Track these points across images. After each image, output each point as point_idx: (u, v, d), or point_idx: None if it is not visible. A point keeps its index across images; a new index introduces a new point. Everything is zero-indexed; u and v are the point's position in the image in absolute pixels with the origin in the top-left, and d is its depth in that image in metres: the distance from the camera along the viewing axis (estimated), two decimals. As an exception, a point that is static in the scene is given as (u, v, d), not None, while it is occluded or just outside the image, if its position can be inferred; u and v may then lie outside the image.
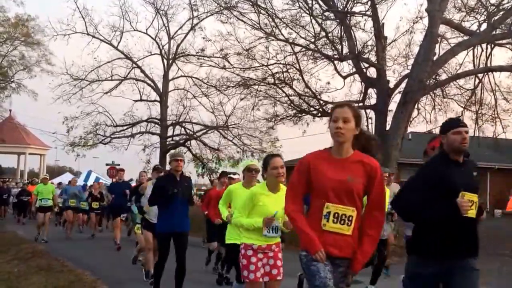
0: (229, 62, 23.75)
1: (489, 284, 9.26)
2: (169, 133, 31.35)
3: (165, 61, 31.29)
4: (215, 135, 30.05)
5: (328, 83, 21.67)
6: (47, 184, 17.77)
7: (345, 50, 19.92)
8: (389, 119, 18.78)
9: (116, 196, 15.28)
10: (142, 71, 30.82)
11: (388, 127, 18.52)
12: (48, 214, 17.47)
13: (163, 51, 31.24)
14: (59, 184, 26.58)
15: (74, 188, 19.83)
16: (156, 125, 31.12)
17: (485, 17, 19.38)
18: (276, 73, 21.69)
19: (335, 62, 20.61)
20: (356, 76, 20.56)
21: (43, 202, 17.06)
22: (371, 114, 20.10)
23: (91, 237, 18.64)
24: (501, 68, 19.54)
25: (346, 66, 21.10)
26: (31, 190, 24.34)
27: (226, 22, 21.81)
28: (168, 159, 10.78)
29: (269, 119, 23.43)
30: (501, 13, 18.96)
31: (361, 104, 20.55)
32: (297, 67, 21.04)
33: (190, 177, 9.74)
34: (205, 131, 30.20)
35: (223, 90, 25.26)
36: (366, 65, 19.89)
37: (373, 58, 19.68)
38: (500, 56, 37.84)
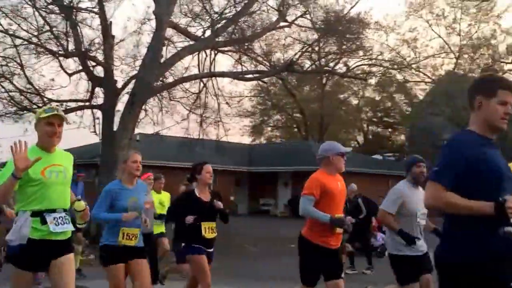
0: None
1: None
2: None
3: None
4: None
5: (53, 79, 20.43)
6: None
7: (71, 46, 19.06)
8: (117, 119, 18.53)
9: None
10: None
11: (115, 128, 18.25)
12: None
13: None
14: None
15: None
16: None
17: (209, 24, 20.28)
18: (-6, 66, 19.76)
19: (60, 58, 19.55)
20: (83, 74, 19.78)
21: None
22: (98, 113, 19.67)
23: None
24: (223, 74, 20.70)
25: (72, 63, 20.15)
26: None
27: None
28: None
29: (-14, 116, 21.21)
30: (224, 21, 20.05)
31: (87, 103, 19.91)
32: (18, 61, 19.47)
33: None
34: None
35: None
36: (93, 64, 19.31)
37: (100, 57, 19.19)
38: (223, 62, 40.77)
